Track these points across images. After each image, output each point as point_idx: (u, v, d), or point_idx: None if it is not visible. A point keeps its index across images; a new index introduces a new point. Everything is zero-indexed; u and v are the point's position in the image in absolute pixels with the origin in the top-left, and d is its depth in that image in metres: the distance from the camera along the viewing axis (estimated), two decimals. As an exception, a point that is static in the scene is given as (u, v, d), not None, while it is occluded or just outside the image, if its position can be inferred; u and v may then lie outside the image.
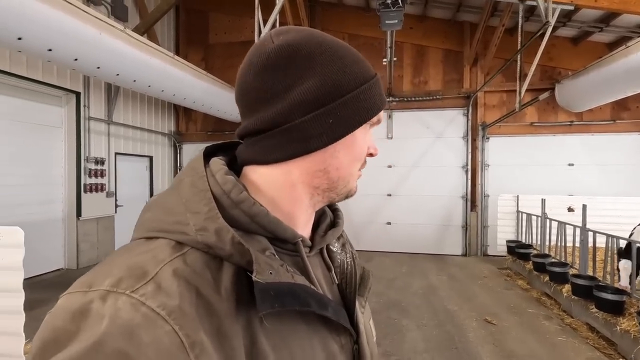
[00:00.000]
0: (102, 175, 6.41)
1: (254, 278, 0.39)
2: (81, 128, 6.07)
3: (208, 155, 0.51)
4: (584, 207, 4.33)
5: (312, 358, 0.44)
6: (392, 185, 7.66)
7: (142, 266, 0.37)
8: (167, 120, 8.55)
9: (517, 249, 5.74)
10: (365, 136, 0.51)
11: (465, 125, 7.36)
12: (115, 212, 6.81)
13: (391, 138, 7.63)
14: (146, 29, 6.30)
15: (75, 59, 3.96)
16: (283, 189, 0.48)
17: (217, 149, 0.53)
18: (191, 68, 6.17)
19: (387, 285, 5.25)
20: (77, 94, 6.03)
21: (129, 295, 0.34)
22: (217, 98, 6.88)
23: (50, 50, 3.63)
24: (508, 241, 6.18)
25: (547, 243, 5.38)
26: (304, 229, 0.52)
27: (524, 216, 6.13)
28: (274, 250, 0.45)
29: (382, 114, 0.52)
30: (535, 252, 5.50)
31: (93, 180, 6.23)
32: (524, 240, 6.08)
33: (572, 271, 4.45)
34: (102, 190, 6.44)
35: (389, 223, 7.66)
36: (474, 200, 7.32)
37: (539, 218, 5.58)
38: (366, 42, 7.68)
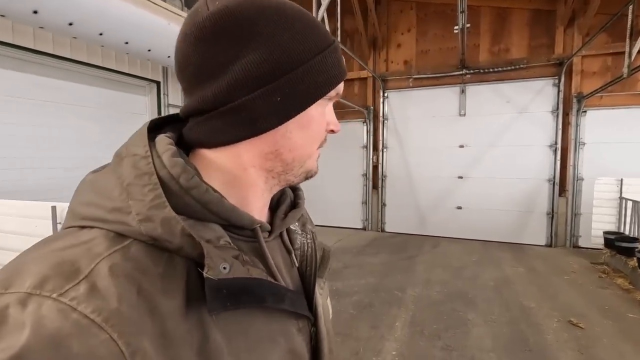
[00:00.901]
0: (180, 158, 7.03)
1: (205, 275, 0.35)
2: (162, 114, 6.67)
3: (155, 129, 0.45)
4: None
5: (270, 342, 0.43)
6: (464, 167, 7.03)
7: (73, 262, 0.32)
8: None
9: (617, 242, 4.89)
10: (322, 112, 0.46)
11: (556, 97, 6.35)
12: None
13: (464, 115, 6.96)
14: (214, 17, 6.56)
15: (149, 50, 4.29)
16: (235, 173, 0.44)
17: (164, 123, 0.47)
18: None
19: (454, 274, 4.90)
20: (158, 83, 6.60)
21: (56, 299, 0.29)
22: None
23: (127, 43, 3.98)
24: (606, 232, 5.28)
25: (660, 237, 4.49)
26: (261, 214, 0.48)
27: (629, 204, 5.15)
28: (229, 238, 0.42)
29: (341, 86, 0.46)
30: (642, 246, 4.63)
31: (173, 163, 6.86)
32: (627, 232, 5.14)
33: (693, 273, 3.65)
34: (180, 171, 7.07)
35: (459, 207, 7.10)
36: (563, 184, 6.38)
37: (650, 206, 4.65)
38: (437, 10, 7.01)
